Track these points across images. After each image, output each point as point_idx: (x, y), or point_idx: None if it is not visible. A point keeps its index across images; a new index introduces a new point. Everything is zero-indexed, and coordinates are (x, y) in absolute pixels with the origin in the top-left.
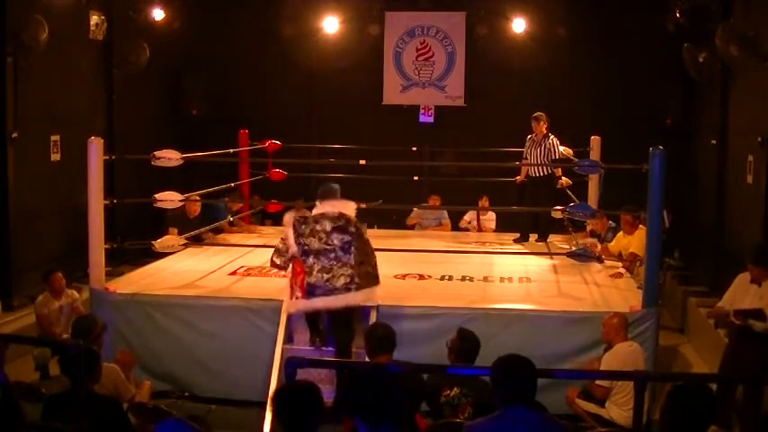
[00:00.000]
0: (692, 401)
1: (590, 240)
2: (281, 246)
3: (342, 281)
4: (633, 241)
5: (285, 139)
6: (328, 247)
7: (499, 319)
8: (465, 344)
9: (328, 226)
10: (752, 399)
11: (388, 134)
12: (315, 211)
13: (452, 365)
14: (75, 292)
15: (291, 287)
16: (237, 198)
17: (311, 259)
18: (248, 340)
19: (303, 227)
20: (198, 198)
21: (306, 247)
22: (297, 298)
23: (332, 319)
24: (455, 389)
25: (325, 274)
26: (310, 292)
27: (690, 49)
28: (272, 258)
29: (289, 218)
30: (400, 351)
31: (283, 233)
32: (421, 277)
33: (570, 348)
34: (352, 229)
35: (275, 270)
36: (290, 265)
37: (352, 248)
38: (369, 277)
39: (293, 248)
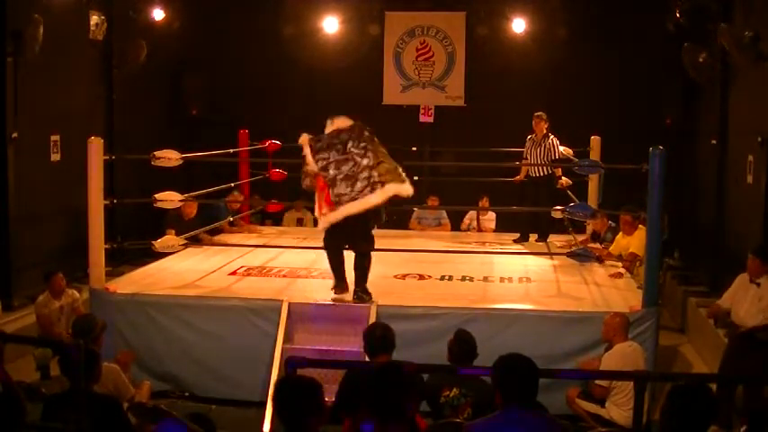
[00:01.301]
0: (692, 401)
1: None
2: (307, 168)
3: (360, 185)
4: (633, 241)
5: (285, 139)
6: (347, 156)
7: (499, 320)
8: (462, 346)
9: (345, 137)
10: (752, 399)
11: (388, 134)
12: (327, 130)
13: (453, 366)
14: (75, 292)
15: (319, 204)
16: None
17: (332, 171)
18: (248, 340)
19: (318, 144)
20: (192, 199)
21: (325, 162)
22: (324, 214)
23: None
24: (455, 389)
25: (347, 182)
26: (337, 202)
27: (690, 49)
28: (303, 183)
29: (305, 138)
30: (400, 351)
31: (304, 153)
32: (421, 277)
33: (570, 348)
34: (366, 134)
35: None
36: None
37: (369, 152)
38: (391, 173)
39: (312, 165)
